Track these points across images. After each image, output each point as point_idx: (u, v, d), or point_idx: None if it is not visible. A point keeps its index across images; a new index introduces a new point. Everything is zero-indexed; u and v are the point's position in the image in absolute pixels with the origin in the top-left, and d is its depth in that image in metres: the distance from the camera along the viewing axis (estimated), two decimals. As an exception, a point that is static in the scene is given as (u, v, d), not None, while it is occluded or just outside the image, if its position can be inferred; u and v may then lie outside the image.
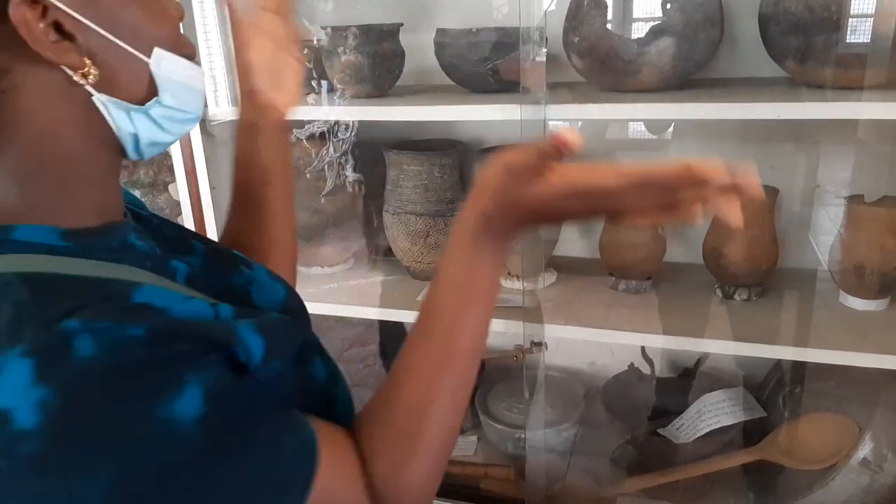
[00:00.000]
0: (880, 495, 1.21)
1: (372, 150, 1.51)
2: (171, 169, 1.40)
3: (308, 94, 1.36)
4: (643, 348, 1.48)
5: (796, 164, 1.37)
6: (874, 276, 1.21)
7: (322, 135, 1.45)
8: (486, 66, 1.24)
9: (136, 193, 1.65)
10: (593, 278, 1.45)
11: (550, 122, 1.14)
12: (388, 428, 0.58)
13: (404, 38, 1.36)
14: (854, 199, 1.24)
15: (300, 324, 0.67)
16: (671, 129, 1.44)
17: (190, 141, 1.31)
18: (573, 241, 1.56)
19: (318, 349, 0.67)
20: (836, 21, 1.03)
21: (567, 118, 1.16)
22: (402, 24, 1.35)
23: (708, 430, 1.33)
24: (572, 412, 1.53)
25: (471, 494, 1.44)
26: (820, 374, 1.27)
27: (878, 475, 1.21)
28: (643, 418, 1.48)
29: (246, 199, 0.81)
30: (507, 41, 1.20)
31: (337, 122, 1.44)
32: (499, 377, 1.62)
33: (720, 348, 1.23)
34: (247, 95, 0.77)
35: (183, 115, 0.59)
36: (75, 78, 0.51)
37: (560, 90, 1.21)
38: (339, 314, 1.43)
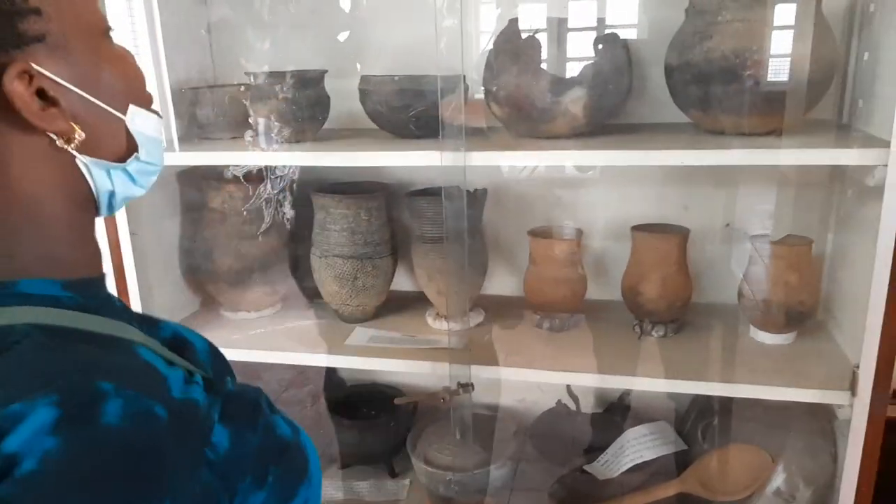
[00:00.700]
0: (794, 523, 1.25)
1: (299, 193, 1.51)
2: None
3: (239, 136, 1.37)
4: (568, 386, 1.51)
5: (712, 203, 1.44)
6: (780, 311, 1.27)
7: (259, 172, 1.45)
8: (408, 113, 1.26)
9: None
10: (520, 316, 1.47)
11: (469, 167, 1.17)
12: None
13: (330, 84, 1.39)
14: (759, 238, 1.30)
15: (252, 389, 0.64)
16: (599, 169, 1.49)
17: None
18: (501, 281, 1.59)
19: (270, 406, 0.64)
20: (734, 73, 1.10)
21: (485, 164, 1.19)
22: (326, 71, 1.37)
23: (631, 465, 1.36)
24: (503, 450, 1.54)
25: (402, 539, 1.43)
26: (736, 407, 1.32)
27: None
28: (572, 454, 1.50)
29: None
30: (428, 89, 1.23)
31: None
32: (429, 419, 1.61)
33: (640, 384, 1.26)
34: None
35: (152, 167, 0.61)
36: (60, 143, 0.53)
37: (479, 136, 1.25)
38: (268, 360, 1.42)
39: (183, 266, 1.54)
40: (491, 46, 1.25)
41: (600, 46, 1.20)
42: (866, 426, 1.12)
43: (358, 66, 1.47)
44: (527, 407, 1.66)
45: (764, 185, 1.39)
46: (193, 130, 1.48)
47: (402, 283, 1.59)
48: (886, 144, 0.99)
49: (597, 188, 1.49)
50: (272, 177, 1.46)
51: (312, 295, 1.54)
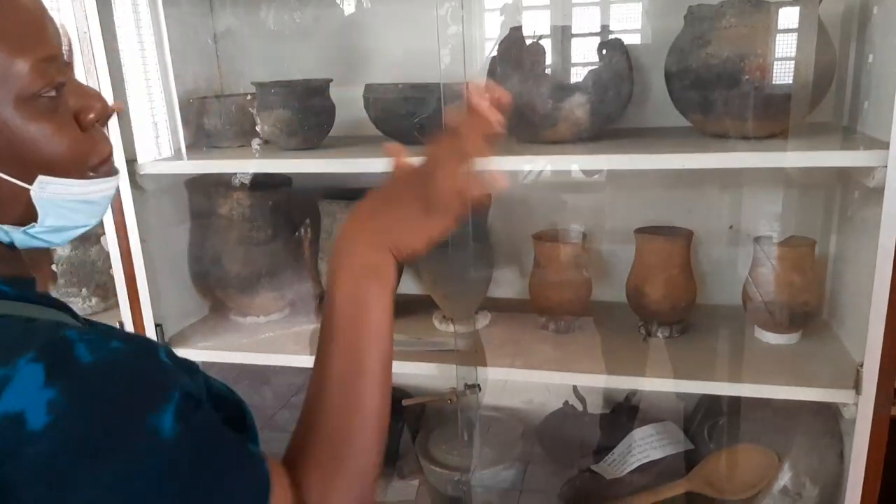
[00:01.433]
0: (800, 522, 1.26)
1: (306, 200, 1.53)
2: (101, 222, 1.40)
3: (246, 144, 1.39)
4: (575, 387, 1.52)
5: (715, 206, 1.45)
6: (784, 312, 1.28)
7: (265, 182, 1.48)
8: (412, 120, 1.28)
9: (66, 247, 1.64)
10: (526, 319, 1.48)
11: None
12: (312, 454, 0.61)
13: (335, 92, 1.40)
14: (763, 239, 1.31)
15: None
16: (604, 173, 1.50)
17: (119, 194, 1.32)
18: (506, 284, 1.60)
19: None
20: (732, 78, 1.11)
21: (487, 169, 1.20)
22: (331, 80, 1.39)
23: (637, 464, 1.37)
24: (511, 451, 1.55)
25: (411, 540, 1.44)
26: (741, 406, 1.33)
27: (797, 502, 1.27)
28: (579, 454, 1.51)
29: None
30: (432, 96, 1.25)
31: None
32: (438, 421, 1.63)
33: (645, 385, 1.28)
34: None
35: (70, 230, 0.61)
36: None
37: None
38: (277, 364, 1.44)
39: (192, 272, 1.56)
40: (494, 54, 1.27)
41: (604, 52, 1.22)
42: (871, 424, 1.12)
43: (362, 74, 1.49)
44: (534, 408, 1.67)
45: (766, 188, 1.40)
46: (202, 139, 1.50)
47: (408, 286, 1.61)
48: (886, 146, 1.00)
49: (600, 192, 1.51)
50: (277, 187, 1.49)
51: (320, 300, 1.55)
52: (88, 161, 0.59)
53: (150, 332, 1.39)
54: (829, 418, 1.28)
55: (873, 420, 1.12)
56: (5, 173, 0.54)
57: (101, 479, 0.46)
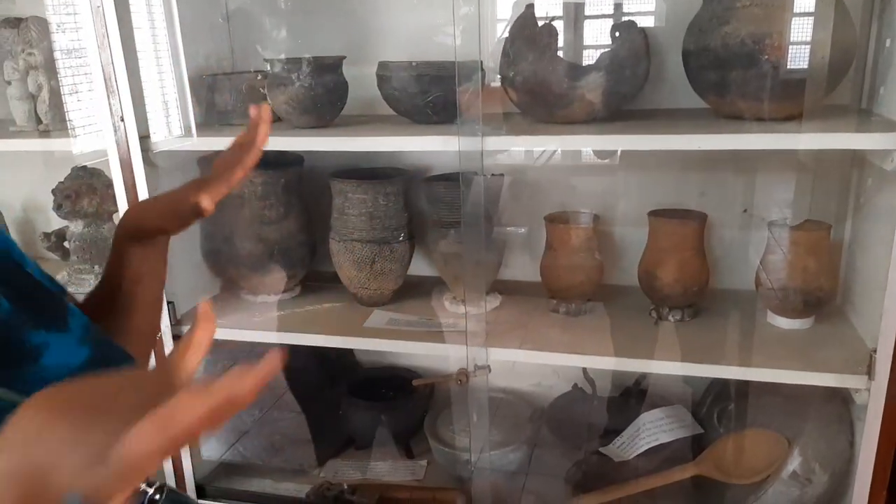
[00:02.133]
0: (809, 507, 1.26)
1: (318, 178, 1.53)
2: (114, 199, 1.40)
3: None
4: (584, 369, 1.52)
5: (729, 189, 1.44)
6: (797, 296, 1.27)
7: (275, 161, 1.48)
8: (426, 98, 1.27)
9: (80, 223, 1.64)
10: (537, 301, 1.48)
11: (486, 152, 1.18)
12: None
13: (348, 70, 1.40)
14: (777, 223, 1.30)
15: None
16: (617, 154, 1.49)
17: (132, 170, 1.32)
18: (517, 266, 1.60)
19: None
20: (751, 57, 1.09)
21: (502, 148, 1.20)
22: (344, 57, 1.38)
23: (646, 447, 1.37)
24: (519, 433, 1.56)
25: (419, 519, 1.45)
26: (752, 391, 1.33)
27: (806, 487, 1.26)
28: (588, 437, 1.52)
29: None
30: (446, 74, 1.24)
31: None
32: (446, 402, 1.64)
33: (656, 368, 1.27)
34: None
35: None
36: None
37: (496, 121, 1.25)
38: (288, 342, 1.44)
39: (204, 250, 1.57)
40: (507, 33, 1.26)
41: (617, 34, 1.20)
42: (883, 410, 1.12)
43: (375, 52, 1.48)
44: (543, 391, 1.67)
45: (781, 171, 1.39)
46: (213, 117, 1.50)
47: (419, 267, 1.61)
48: (904, 129, 0.99)
49: (613, 174, 1.50)
50: (287, 166, 1.48)
51: (331, 279, 1.56)
52: None
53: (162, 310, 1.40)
54: (839, 404, 1.28)
55: (885, 406, 1.12)
56: None
57: None
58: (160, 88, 1.42)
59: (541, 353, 1.31)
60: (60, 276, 1.67)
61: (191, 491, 1.53)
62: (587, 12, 1.32)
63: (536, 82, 1.20)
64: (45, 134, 1.57)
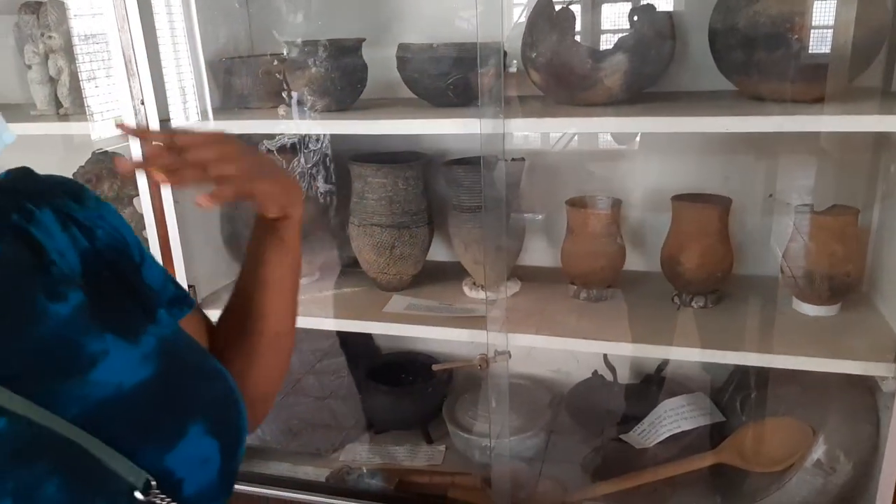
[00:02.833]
0: (833, 496, 1.24)
1: (338, 162, 1.52)
2: (135, 183, 1.40)
3: (277, 106, 1.38)
4: (605, 356, 1.51)
5: (753, 173, 1.42)
6: (824, 283, 1.25)
7: (293, 146, 1.47)
8: (446, 81, 1.26)
9: (101, 207, 1.65)
10: (557, 287, 1.47)
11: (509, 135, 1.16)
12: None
13: (368, 53, 1.38)
14: (803, 208, 1.28)
15: None
16: (638, 138, 1.47)
17: (153, 155, 1.32)
18: (537, 251, 1.59)
19: None
20: (780, 37, 1.07)
21: (524, 131, 1.19)
22: (364, 39, 1.37)
23: (668, 434, 1.36)
24: (538, 419, 1.55)
25: (438, 503, 1.45)
26: (775, 379, 1.31)
27: (830, 476, 1.25)
28: (607, 424, 1.51)
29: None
30: (467, 56, 1.22)
31: (307, 134, 1.46)
32: (465, 387, 1.63)
33: (678, 354, 1.26)
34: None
35: None
36: None
37: (518, 104, 1.24)
38: (307, 326, 1.44)
39: (225, 234, 1.57)
40: (529, 14, 1.24)
41: (635, 18, 1.18)
42: (910, 399, 1.10)
43: (395, 34, 1.46)
44: (562, 377, 1.66)
45: (807, 155, 1.36)
46: (231, 100, 1.49)
47: (438, 252, 1.60)
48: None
49: (636, 158, 1.48)
50: (305, 151, 1.48)
51: (350, 263, 1.55)
52: None
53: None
54: (865, 392, 1.26)
55: (913, 394, 1.10)
56: None
57: None
58: (178, 72, 1.41)
59: (561, 339, 1.30)
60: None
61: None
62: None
63: (559, 64, 1.18)
64: (65, 118, 1.58)
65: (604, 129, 1.27)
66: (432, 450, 1.59)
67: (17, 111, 1.64)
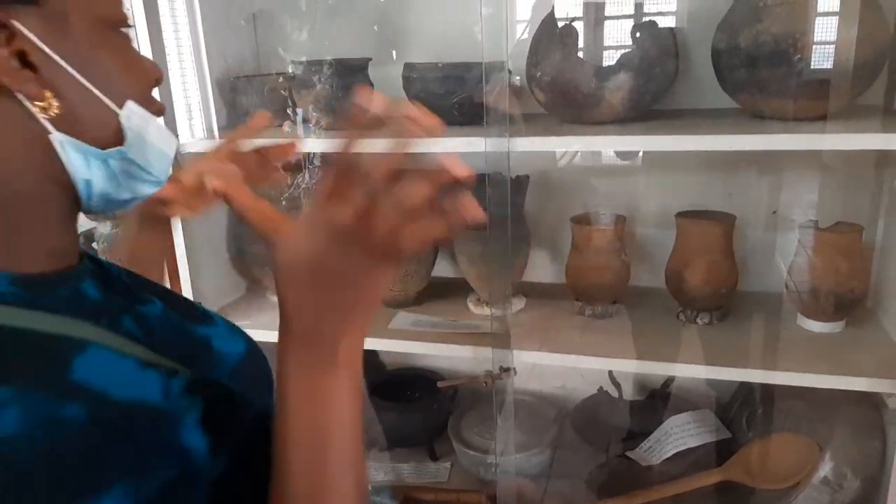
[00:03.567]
0: (841, 513, 1.24)
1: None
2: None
3: (282, 124, 1.39)
4: (610, 372, 1.51)
5: (757, 190, 1.42)
6: (829, 299, 1.25)
7: (298, 163, 1.48)
8: (452, 99, 1.27)
9: (108, 224, 1.66)
10: (562, 303, 1.47)
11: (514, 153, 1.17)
12: None
13: (374, 72, 1.40)
14: (808, 225, 1.28)
15: (248, 400, 0.58)
16: (641, 155, 1.48)
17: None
18: (542, 268, 1.59)
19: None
20: (783, 56, 1.08)
21: (529, 149, 1.19)
22: (370, 59, 1.38)
23: (674, 451, 1.36)
24: (543, 436, 1.55)
25: (443, 521, 1.45)
26: (781, 395, 1.31)
27: (837, 493, 1.24)
28: (612, 441, 1.50)
29: None
30: (472, 76, 1.24)
31: (312, 152, 1.47)
32: (470, 403, 1.63)
33: (684, 371, 1.26)
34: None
35: (145, 175, 0.56)
36: (33, 110, 0.48)
37: (523, 122, 1.25)
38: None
39: (231, 251, 1.58)
40: (534, 33, 1.25)
41: (638, 35, 1.19)
42: (918, 415, 1.10)
43: (401, 53, 1.48)
44: (567, 393, 1.66)
45: (811, 172, 1.37)
46: (237, 119, 1.51)
47: (443, 269, 1.61)
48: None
49: (640, 175, 1.49)
50: (310, 167, 1.49)
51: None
52: (155, 105, 0.57)
53: (189, 310, 1.41)
54: (871, 408, 1.26)
55: (920, 410, 1.10)
56: (99, 90, 0.51)
57: None
58: (185, 91, 1.43)
59: (566, 356, 1.30)
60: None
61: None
62: (612, 12, 1.31)
63: (563, 82, 1.19)
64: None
65: (608, 147, 1.28)
66: (437, 467, 1.59)
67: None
